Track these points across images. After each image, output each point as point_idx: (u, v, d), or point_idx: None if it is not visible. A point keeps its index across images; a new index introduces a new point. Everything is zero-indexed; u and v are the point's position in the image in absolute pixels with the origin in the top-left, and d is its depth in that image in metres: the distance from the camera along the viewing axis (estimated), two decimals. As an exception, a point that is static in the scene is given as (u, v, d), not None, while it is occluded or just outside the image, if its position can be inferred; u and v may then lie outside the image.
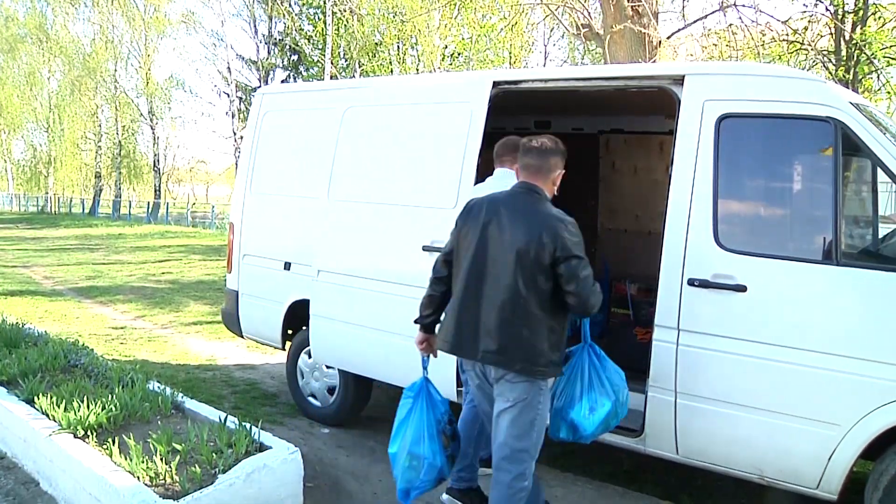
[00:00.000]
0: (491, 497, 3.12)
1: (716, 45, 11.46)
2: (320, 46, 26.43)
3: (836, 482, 3.15)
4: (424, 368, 3.35)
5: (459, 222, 3.17)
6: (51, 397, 3.98)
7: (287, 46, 31.32)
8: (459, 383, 4.21)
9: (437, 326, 3.27)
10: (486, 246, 3.01)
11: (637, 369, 3.91)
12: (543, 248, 2.87)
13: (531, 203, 3.02)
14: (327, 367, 4.99)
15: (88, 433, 3.66)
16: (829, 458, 3.14)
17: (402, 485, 3.25)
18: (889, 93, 10.97)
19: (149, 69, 35.50)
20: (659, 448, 3.64)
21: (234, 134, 29.11)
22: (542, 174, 3.08)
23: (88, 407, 3.82)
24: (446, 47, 23.76)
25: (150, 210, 34.50)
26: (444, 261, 3.22)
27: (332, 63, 23.46)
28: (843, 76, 10.33)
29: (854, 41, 10.32)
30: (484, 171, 4.21)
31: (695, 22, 10.89)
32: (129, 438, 3.51)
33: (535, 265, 2.89)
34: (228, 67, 30.13)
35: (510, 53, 24.51)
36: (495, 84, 4.20)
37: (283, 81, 30.87)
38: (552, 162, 3.09)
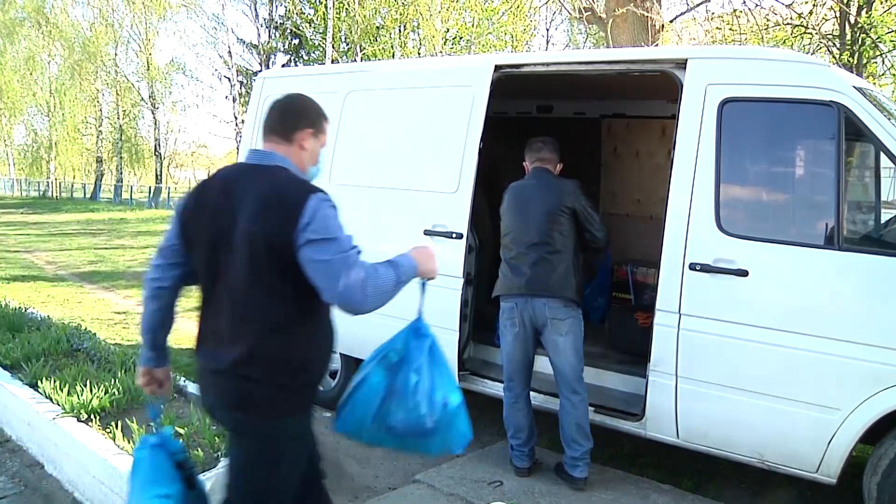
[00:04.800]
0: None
1: (719, 29, 11.37)
2: (321, 30, 26.24)
3: (836, 466, 3.17)
4: None
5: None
6: (54, 381, 4.00)
7: (288, 30, 31.08)
8: (461, 368, 4.24)
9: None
10: None
11: (638, 353, 3.93)
12: None
13: None
14: (329, 351, 5.00)
15: (92, 417, 3.68)
16: (829, 443, 3.16)
17: None
18: (894, 77, 10.89)
19: (149, 53, 35.34)
20: (659, 432, 3.66)
21: (236, 118, 28.95)
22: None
23: (91, 391, 3.84)
24: (448, 31, 23.56)
25: (151, 194, 34.49)
26: None
27: (333, 47, 23.31)
28: (848, 60, 10.24)
29: (859, 25, 10.23)
30: (485, 155, 4.20)
31: (698, 5, 10.82)
32: (132, 422, 3.53)
33: None
34: (229, 51, 29.90)
35: (512, 37, 24.31)
36: (497, 68, 4.18)
37: (284, 66, 30.67)
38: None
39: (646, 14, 8.26)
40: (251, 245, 2.07)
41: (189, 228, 2.24)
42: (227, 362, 2.13)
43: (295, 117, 2.27)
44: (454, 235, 4.12)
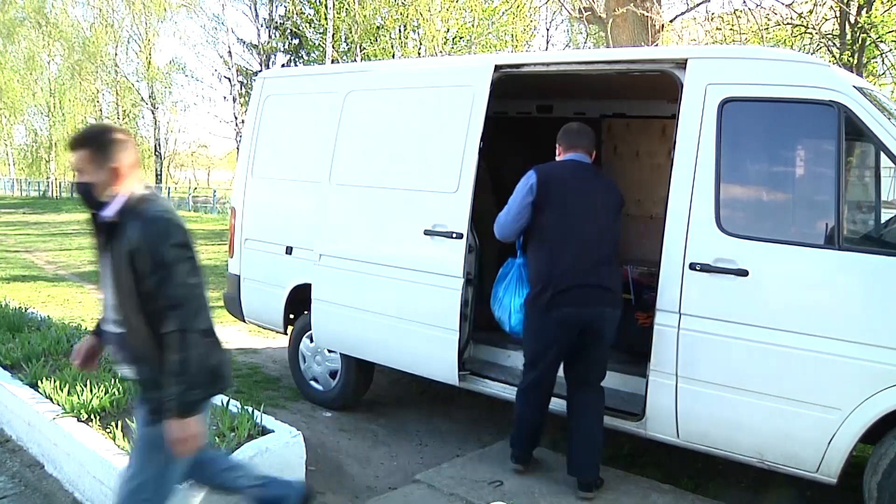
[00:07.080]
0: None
1: (719, 29, 11.37)
2: (321, 30, 26.26)
3: (836, 466, 3.17)
4: None
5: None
6: (54, 381, 4.00)
7: (288, 30, 31.11)
8: (461, 368, 4.24)
9: None
10: None
11: (638, 353, 3.93)
12: None
13: None
14: (329, 351, 5.00)
15: (92, 417, 3.68)
16: (829, 443, 3.16)
17: None
18: (894, 76, 10.89)
19: (149, 53, 35.36)
20: (660, 432, 3.66)
21: (236, 118, 28.96)
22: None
23: (91, 391, 3.84)
24: (448, 31, 23.55)
25: (151, 195, 34.46)
26: None
27: (333, 47, 23.30)
28: (848, 60, 10.24)
29: (859, 24, 10.23)
30: (486, 155, 4.20)
31: (698, 5, 10.82)
32: (132, 422, 3.53)
33: None
34: (229, 51, 29.89)
35: (512, 37, 24.31)
36: (497, 68, 4.17)
37: (284, 65, 30.70)
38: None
39: (646, 14, 8.26)
40: (606, 210, 3.64)
41: (546, 198, 3.59)
42: (602, 278, 3.56)
43: (592, 135, 3.80)
44: (454, 235, 4.12)
